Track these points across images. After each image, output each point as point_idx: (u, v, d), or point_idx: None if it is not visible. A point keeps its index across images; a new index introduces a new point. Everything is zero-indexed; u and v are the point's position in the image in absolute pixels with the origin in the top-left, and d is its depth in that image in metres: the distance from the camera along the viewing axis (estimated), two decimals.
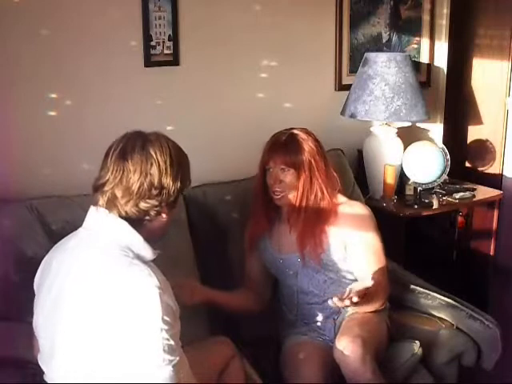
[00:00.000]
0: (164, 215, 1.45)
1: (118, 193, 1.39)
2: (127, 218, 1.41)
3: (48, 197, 2.04)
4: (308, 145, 2.01)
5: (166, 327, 1.31)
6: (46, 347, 1.47)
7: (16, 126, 2.09)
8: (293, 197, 2.01)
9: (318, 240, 2.01)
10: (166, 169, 1.40)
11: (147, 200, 1.40)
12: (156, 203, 1.41)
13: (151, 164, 1.39)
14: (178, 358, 1.34)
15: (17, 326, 1.82)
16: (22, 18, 2.07)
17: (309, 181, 2.00)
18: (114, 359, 1.33)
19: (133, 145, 1.41)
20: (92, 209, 1.45)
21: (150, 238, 1.45)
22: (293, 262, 2.07)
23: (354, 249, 2.03)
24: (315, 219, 2.01)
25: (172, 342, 1.32)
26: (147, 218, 1.43)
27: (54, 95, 2.17)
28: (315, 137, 2.06)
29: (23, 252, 1.88)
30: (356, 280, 2.06)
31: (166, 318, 1.31)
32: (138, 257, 1.40)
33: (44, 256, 1.84)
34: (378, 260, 2.03)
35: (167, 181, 1.41)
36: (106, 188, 1.40)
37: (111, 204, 1.40)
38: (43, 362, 1.50)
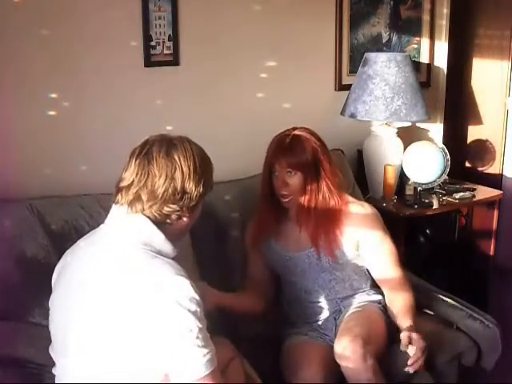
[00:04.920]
0: (185, 219, 1.48)
1: (144, 196, 1.41)
2: (150, 219, 1.43)
3: (48, 197, 2.04)
4: (312, 145, 2.00)
5: (202, 311, 1.35)
6: (58, 341, 1.49)
7: (16, 126, 2.09)
8: (301, 198, 2.01)
9: (332, 236, 2.02)
10: (189, 174, 1.43)
11: (170, 205, 1.43)
12: (178, 208, 1.44)
13: (175, 169, 1.42)
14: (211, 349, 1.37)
15: (16, 325, 1.82)
16: (22, 18, 2.07)
17: (316, 181, 2.00)
18: (147, 351, 1.34)
19: (158, 149, 1.44)
20: (115, 207, 1.47)
21: (169, 239, 1.46)
22: (301, 260, 2.07)
23: (368, 247, 2.05)
24: (326, 218, 2.02)
25: (206, 333, 1.37)
26: (168, 221, 1.45)
27: (53, 95, 2.17)
28: (318, 136, 2.05)
29: (23, 252, 1.88)
30: (359, 278, 2.11)
31: (202, 302, 1.36)
32: (160, 253, 1.42)
33: (44, 256, 1.84)
34: (394, 258, 2.06)
35: (190, 186, 1.43)
36: (131, 190, 1.42)
37: (134, 205, 1.42)
38: (55, 352, 1.51)
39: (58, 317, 1.48)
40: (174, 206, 1.43)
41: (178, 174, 1.42)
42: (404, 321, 1.93)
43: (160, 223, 1.44)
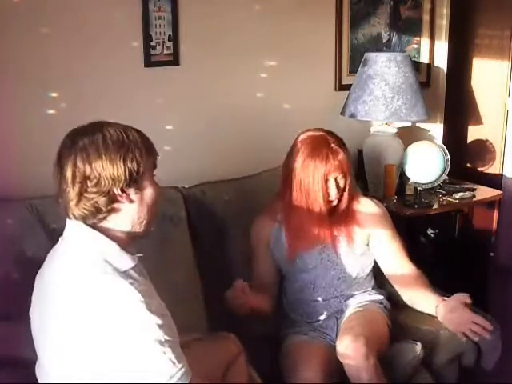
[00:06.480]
0: (126, 202, 1.36)
1: (64, 194, 1.34)
2: (88, 221, 1.35)
3: (48, 197, 2.03)
4: (345, 148, 2.05)
5: (168, 331, 1.31)
6: (41, 361, 1.46)
7: (15, 126, 2.09)
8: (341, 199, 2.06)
9: (344, 232, 2.07)
10: (98, 154, 1.31)
11: (87, 191, 1.32)
12: (99, 194, 1.32)
13: (80, 152, 1.31)
14: (184, 365, 1.33)
15: (17, 325, 1.82)
16: (21, 17, 2.07)
17: (351, 182, 2.07)
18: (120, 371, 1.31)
19: (64, 144, 1.36)
20: (67, 219, 1.41)
21: (132, 238, 1.41)
22: (313, 256, 2.09)
23: (380, 243, 2.10)
24: (340, 215, 2.08)
25: (175, 349, 1.32)
26: (104, 210, 1.34)
27: (53, 94, 2.18)
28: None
29: (23, 252, 1.88)
30: (364, 279, 2.13)
31: (163, 322, 1.30)
32: (118, 270, 1.34)
33: (44, 256, 1.84)
34: (405, 254, 2.11)
35: (104, 166, 1.31)
36: (60, 196, 1.36)
37: (67, 209, 1.36)
38: (40, 370, 1.48)
39: (36, 338, 1.45)
40: (93, 194, 1.31)
41: (83, 158, 1.30)
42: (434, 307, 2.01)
43: (97, 217, 1.35)
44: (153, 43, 2.33)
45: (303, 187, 2.01)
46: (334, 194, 2.02)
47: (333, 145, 2.02)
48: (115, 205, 1.35)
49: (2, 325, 1.82)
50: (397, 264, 2.11)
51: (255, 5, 2.56)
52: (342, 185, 2.03)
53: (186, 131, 2.44)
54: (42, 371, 1.45)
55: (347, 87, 2.76)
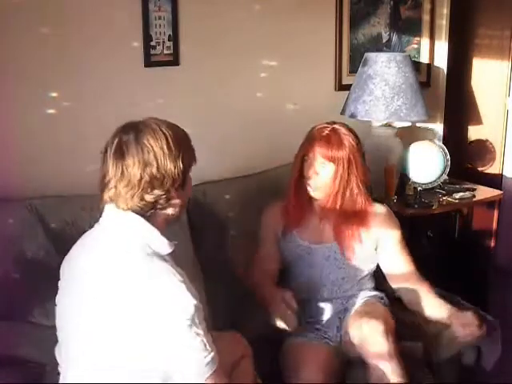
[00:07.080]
0: (176, 200, 1.44)
1: (122, 189, 1.37)
2: (139, 212, 1.40)
3: (48, 197, 2.04)
4: (349, 141, 2.03)
5: (200, 314, 1.34)
6: (63, 342, 1.48)
7: (16, 126, 2.09)
8: (329, 191, 2.04)
9: (354, 234, 2.06)
10: (163, 155, 1.37)
11: (154, 191, 1.38)
12: (162, 192, 1.39)
13: (148, 153, 1.36)
14: (213, 350, 1.36)
15: (17, 325, 1.82)
16: (22, 17, 2.07)
17: (346, 176, 2.02)
18: (147, 354, 1.33)
19: (126, 138, 1.39)
20: (107, 206, 1.44)
21: (168, 223, 1.46)
22: (320, 253, 2.09)
23: (388, 246, 2.09)
24: (351, 215, 2.05)
25: (206, 333, 1.35)
26: (159, 206, 1.42)
27: (53, 94, 2.18)
28: (356, 133, 2.08)
29: (23, 252, 1.88)
30: (367, 280, 2.15)
31: (199, 305, 1.34)
32: (157, 254, 1.39)
33: (44, 256, 1.84)
34: (411, 257, 2.11)
35: (168, 166, 1.38)
36: (110, 186, 1.39)
37: (117, 201, 1.40)
38: (60, 354, 1.50)
39: (63, 319, 1.48)
40: (157, 191, 1.38)
41: (151, 158, 1.36)
42: (441, 310, 2.01)
43: (151, 211, 1.41)
44: (153, 43, 2.33)
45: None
46: (307, 173, 2.03)
47: (326, 131, 2.03)
48: (170, 202, 1.42)
49: (2, 325, 1.82)
50: (405, 268, 2.10)
51: (255, 5, 2.56)
52: (322, 172, 2.02)
53: (186, 131, 2.44)
54: (67, 355, 1.46)
55: (347, 87, 2.76)
